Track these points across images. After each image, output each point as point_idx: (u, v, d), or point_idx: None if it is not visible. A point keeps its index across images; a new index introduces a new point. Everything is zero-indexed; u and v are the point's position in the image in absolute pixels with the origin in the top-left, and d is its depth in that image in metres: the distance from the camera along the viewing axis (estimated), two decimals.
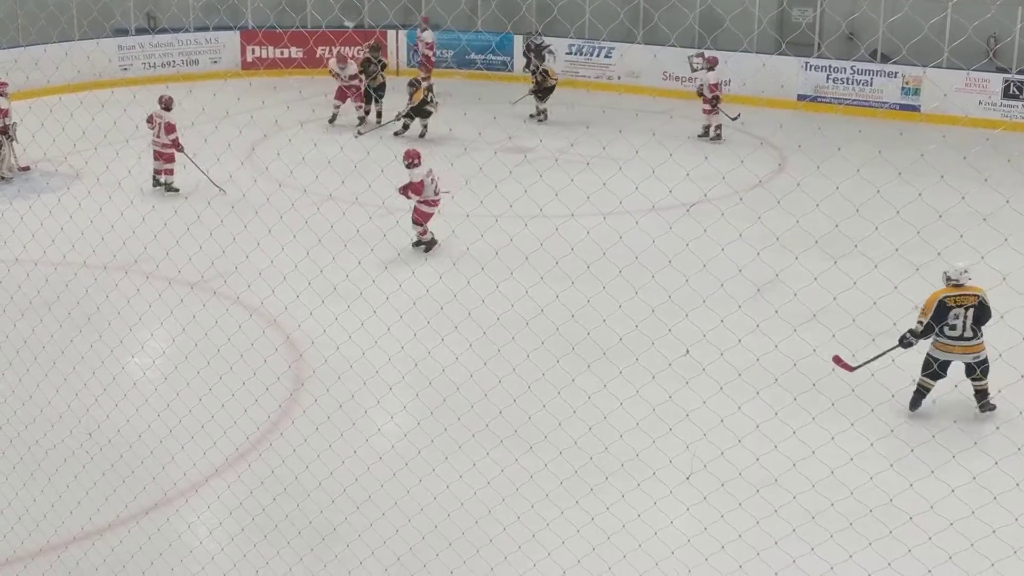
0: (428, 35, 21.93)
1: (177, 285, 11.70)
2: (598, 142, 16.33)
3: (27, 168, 16.92)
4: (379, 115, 20.98)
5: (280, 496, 7.98)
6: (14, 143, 16.86)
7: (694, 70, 21.75)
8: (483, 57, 24.98)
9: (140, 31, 24.17)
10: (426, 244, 14.38)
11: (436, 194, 14.22)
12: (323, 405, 9.04)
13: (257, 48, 24.62)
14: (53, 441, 8.56)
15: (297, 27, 24.07)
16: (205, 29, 24.30)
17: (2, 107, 16.42)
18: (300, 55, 24.37)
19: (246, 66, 24.38)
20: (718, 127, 20.30)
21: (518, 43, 24.75)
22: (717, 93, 20.22)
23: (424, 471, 8.44)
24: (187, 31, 24.18)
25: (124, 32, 24.04)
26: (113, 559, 7.57)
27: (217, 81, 22.39)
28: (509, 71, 24.85)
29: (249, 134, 17.30)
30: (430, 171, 14.14)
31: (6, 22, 21.93)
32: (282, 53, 24.53)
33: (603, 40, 24.09)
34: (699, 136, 20.27)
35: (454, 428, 8.85)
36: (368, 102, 20.99)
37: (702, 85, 20.46)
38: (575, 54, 24.40)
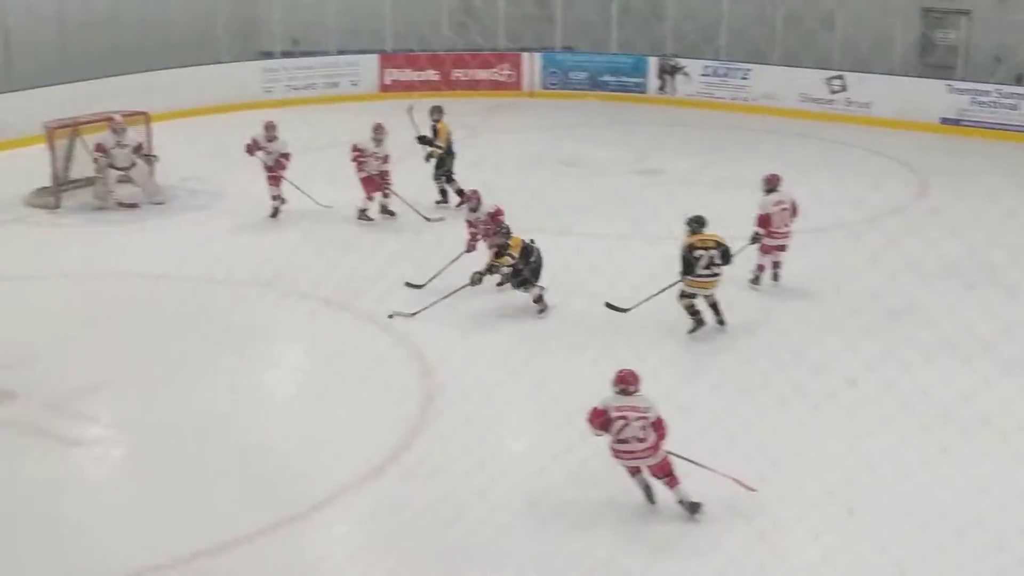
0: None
1: (311, 301, 11.99)
2: (730, 163, 16.27)
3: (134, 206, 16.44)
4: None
5: (407, 510, 8.10)
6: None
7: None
8: (617, 79, 25.02)
9: (285, 54, 24.81)
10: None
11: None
12: (450, 420, 9.16)
13: (395, 71, 25.07)
14: (190, 452, 8.82)
15: (433, 50, 24.51)
16: (346, 53, 24.82)
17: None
18: (436, 77, 24.76)
19: (383, 88, 24.84)
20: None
21: (652, 65, 24.73)
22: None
23: (548, 491, 8.46)
24: (329, 54, 24.73)
25: (269, 55, 24.71)
26: (245, 570, 7.73)
27: (355, 103, 22.86)
28: (642, 93, 24.84)
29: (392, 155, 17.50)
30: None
31: (156, 44, 22.71)
32: (418, 76, 24.94)
33: (739, 61, 23.91)
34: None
35: (580, 447, 8.88)
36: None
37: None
38: (711, 75, 24.27)
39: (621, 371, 8.43)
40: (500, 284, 11.88)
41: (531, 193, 13.96)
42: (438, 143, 15.96)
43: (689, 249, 10.53)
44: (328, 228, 15.17)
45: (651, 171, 17.30)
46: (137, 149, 16.19)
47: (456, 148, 15.97)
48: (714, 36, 24.03)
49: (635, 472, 8.48)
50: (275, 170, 14.98)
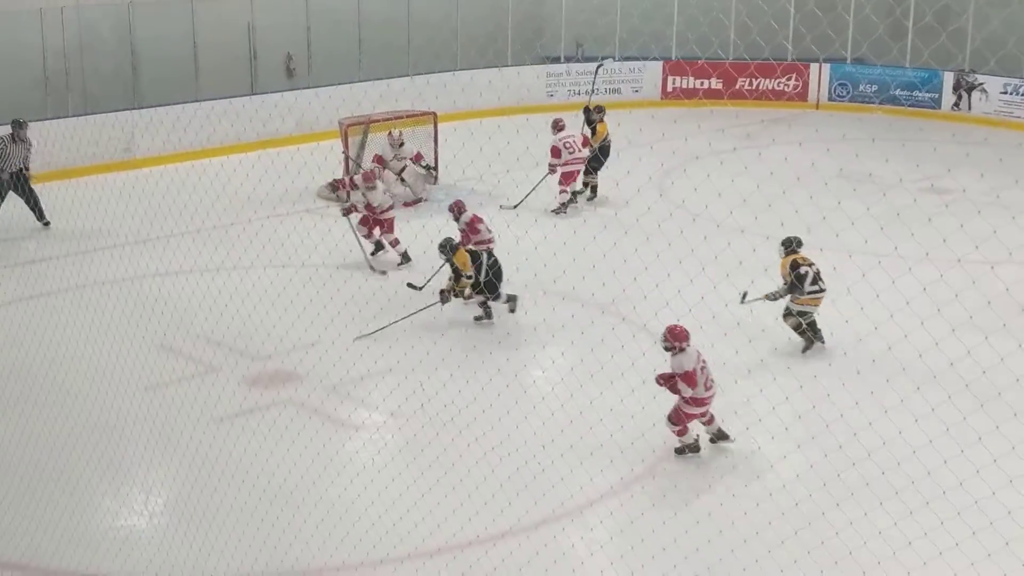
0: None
1: (589, 308, 12.15)
2: None
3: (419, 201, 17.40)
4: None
5: (667, 526, 8.09)
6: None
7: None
8: (909, 93, 24.13)
9: (568, 59, 25.10)
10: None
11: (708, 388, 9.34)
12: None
13: (678, 78, 25.00)
14: (463, 445, 9.08)
15: (719, 58, 24.21)
16: (633, 59, 24.88)
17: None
18: (720, 85, 24.52)
19: (665, 96, 24.83)
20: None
21: (948, 80, 23.70)
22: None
23: (808, 518, 8.27)
24: (613, 60, 24.88)
25: (555, 59, 25.09)
26: (505, 568, 7.90)
27: (636, 110, 22.85)
28: (935, 109, 23.84)
29: (668, 163, 17.53)
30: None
31: (445, 46, 23.48)
32: (701, 84, 24.75)
33: None
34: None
35: (848, 473, 8.64)
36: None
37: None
38: (1011, 94, 23.06)
39: (673, 328, 9.09)
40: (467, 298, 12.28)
41: (811, 208, 13.58)
42: (592, 142, 16.77)
43: (794, 266, 10.95)
44: (609, 236, 15.31)
45: (943, 191, 16.60)
46: (416, 159, 16.97)
47: (614, 151, 16.83)
48: (1017, 52, 22.82)
49: (710, 422, 9.23)
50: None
